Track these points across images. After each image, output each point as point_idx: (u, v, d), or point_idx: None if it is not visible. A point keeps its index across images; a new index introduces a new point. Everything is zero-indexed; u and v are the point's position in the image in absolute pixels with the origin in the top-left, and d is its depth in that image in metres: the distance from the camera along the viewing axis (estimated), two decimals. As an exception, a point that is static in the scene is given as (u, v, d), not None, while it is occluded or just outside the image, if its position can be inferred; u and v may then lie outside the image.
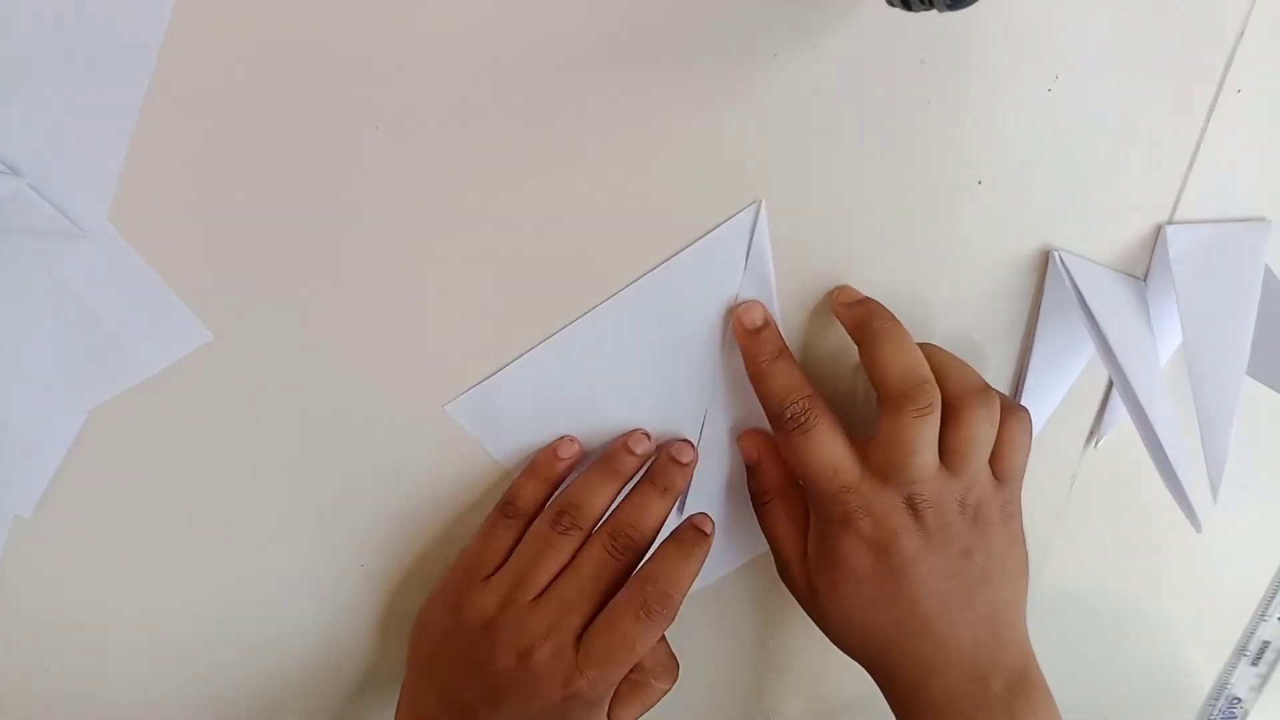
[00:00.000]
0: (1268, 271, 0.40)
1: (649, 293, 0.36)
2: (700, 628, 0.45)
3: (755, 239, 0.36)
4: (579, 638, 0.35)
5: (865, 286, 0.38)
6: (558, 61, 0.31)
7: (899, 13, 0.30)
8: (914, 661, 0.37)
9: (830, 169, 0.35)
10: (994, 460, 0.37)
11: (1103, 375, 0.45)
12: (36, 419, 0.32)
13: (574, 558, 0.36)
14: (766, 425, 0.38)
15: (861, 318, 0.37)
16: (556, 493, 0.38)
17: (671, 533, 0.37)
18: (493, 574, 0.36)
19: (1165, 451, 0.39)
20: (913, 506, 0.36)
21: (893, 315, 0.36)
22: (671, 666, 0.39)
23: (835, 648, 0.39)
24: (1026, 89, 0.35)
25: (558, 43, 0.30)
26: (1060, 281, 0.39)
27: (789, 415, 0.36)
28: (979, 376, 0.37)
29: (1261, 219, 0.41)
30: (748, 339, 0.37)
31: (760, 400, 0.37)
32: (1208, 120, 0.38)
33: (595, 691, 0.34)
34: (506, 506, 0.37)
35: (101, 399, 0.33)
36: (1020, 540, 0.39)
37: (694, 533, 0.37)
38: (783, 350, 0.37)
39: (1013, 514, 0.38)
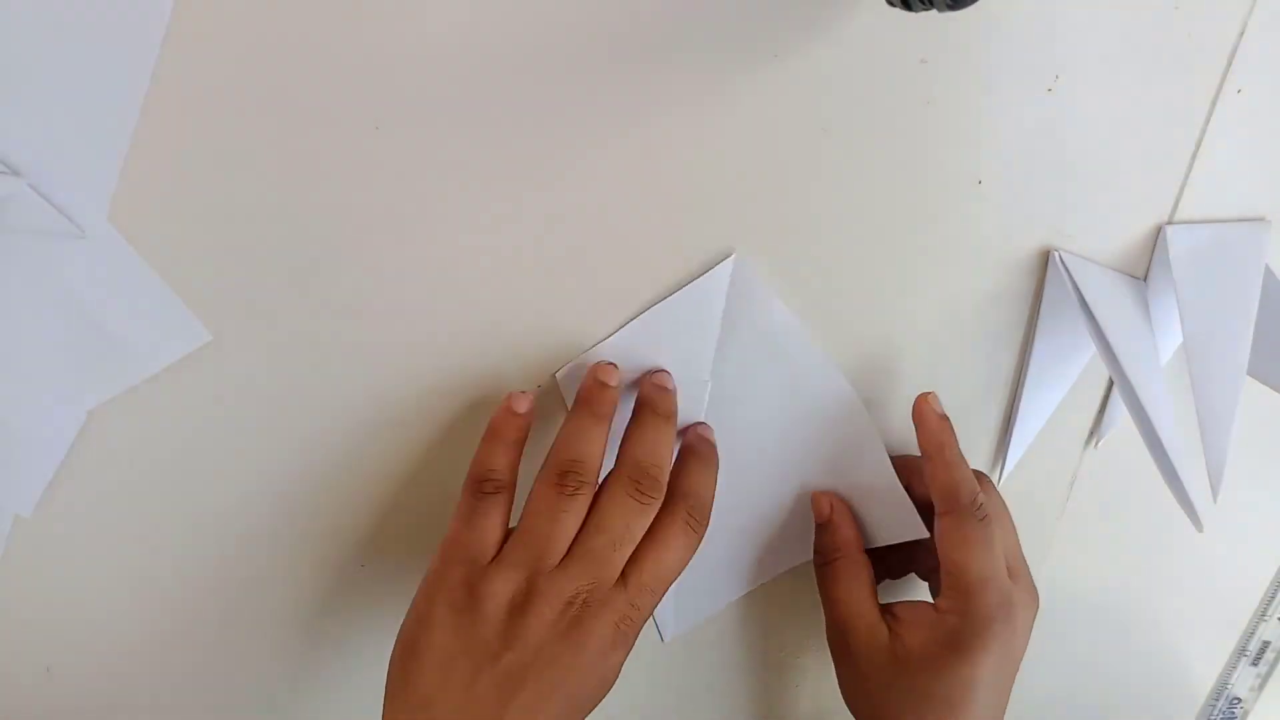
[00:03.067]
0: (1268, 271, 0.40)
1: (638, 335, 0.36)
2: (708, 628, 0.45)
3: (733, 290, 0.36)
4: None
5: (866, 284, 0.38)
6: (559, 61, 0.31)
7: (899, 13, 0.30)
8: None
9: (831, 168, 0.35)
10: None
11: (1103, 376, 0.45)
12: (36, 419, 0.32)
13: (591, 511, 0.34)
14: (733, 483, 0.39)
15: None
16: (550, 453, 0.35)
17: (683, 448, 0.37)
18: (495, 557, 0.34)
19: (1166, 451, 0.39)
20: (1009, 605, 0.38)
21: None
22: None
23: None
24: (1027, 89, 0.35)
25: (558, 42, 0.30)
26: (1060, 281, 0.39)
27: (977, 501, 0.38)
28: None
29: (1261, 219, 0.41)
30: (941, 425, 0.39)
31: (938, 485, 0.38)
32: (1208, 120, 0.38)
33: (644, 617, 0.34)
34: (484, 484, 0.35)
35: (101, 399, 0.33)
36: None
37: (706, 444, 0.38)
38: (956, 441, 0.39)
39: None
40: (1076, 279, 0.39)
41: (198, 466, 0.35)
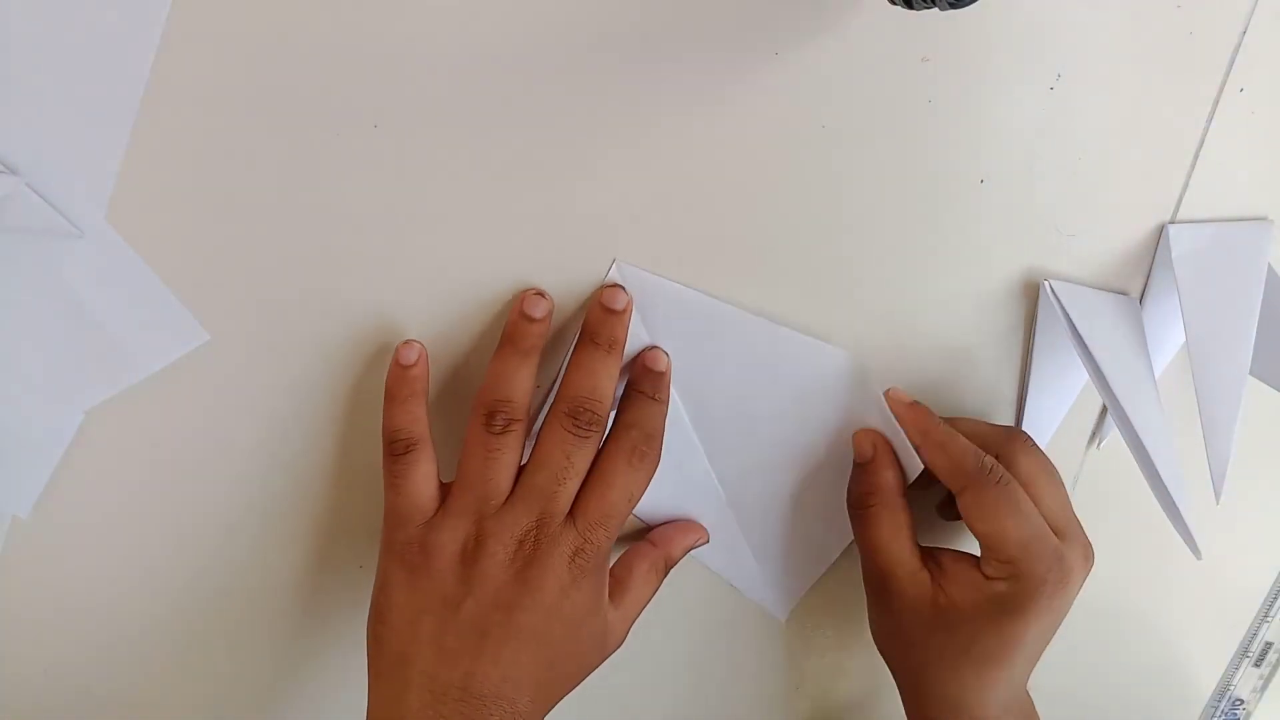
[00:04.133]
0: (1270, 271, 0.40)
1: None
2: (709, 629, 0.45)
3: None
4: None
5: (867, 285, 0.38)
6: (559, 59, 0.31)
7: (901, 11, 0.30)
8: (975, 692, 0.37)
9: (832, 167, 0.35)
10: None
11: (1105, 375, 0.44)
12: (33, 419, 0.32)
13: (534, 450, 0.34)
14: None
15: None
16: (476, 395, 0.34)
17: (629, 379, 0.36)
18: (437, 511, 0.34)
19: (1160, 476, 0.39)
20: (1061, 565, 0.36)
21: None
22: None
23: (843, 647, 0.39)
24: (1029, 87, 0.35)
25: (558, 40, 0.30)
26: (1052, 310, 0.39)
27: (985, 467, 0.36)
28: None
29: (1264, 218, 0.41)
30: (914, 411, 0.37)
31: (939, 469, 0.37)
32: (1210, 119, 0.38)
33: (600, 553, 0.34)
34: (394, 445, 0.34)
35: (98, 399, 0.33)
36: None
37: (653, 376, 0.36)
38: (940, 420, 0.37)
39: None
40: (1067, 307, 0.38)
41: (195, 467, 0.35)
